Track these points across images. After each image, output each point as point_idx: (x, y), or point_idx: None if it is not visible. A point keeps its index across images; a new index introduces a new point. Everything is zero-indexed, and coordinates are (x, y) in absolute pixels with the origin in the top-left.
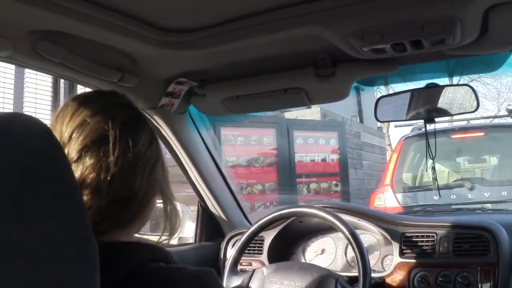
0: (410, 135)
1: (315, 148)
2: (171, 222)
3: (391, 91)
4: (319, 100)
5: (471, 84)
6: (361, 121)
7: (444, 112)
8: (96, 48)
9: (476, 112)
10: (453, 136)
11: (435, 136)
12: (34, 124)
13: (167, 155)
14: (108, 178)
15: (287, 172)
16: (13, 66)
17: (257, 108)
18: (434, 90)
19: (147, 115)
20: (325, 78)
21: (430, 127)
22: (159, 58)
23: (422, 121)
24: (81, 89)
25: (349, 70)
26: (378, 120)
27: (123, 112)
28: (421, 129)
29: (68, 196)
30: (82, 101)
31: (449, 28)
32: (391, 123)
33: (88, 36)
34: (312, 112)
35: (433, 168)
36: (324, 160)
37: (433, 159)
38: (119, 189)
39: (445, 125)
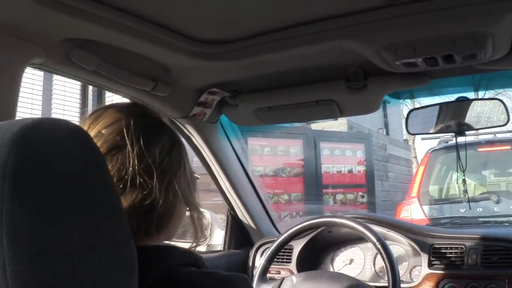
0: (437, 147)
1: (341, 160)
2: (200, 229)
3: (417, 105)
4: (350, 113)
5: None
6: (387, 133)
7: (474, 126)
8: (130, 58)
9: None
10: (480, 149)
11: (465, 149)
12: (71, 129)
13: (193, 163)
14: (121, 186)
15: (313, 183)
16: (41, 72)
17: (288, 119)
18: (464, 104)
19: (178, 124)
20: (357, 91)
21: (460, 140)
22: (192, 69)
23: (450, 134)
24: (109, 96)
25: (381, 83)
26: (409, 133)
27: (139, 121)
28: (447, 142)
29: (106, 200)
30: (99, 114)
31: (480, 43)
32: (417, 136)
33: (123, 46)
34: (339, 124)
35: (464, 180)
36: (350, 171)
37: (463, 171)
38: (135, 198)
39: (471, 139)
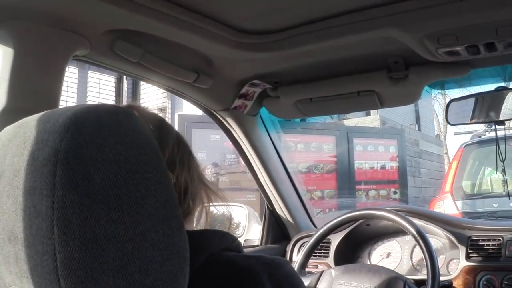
0: (470, 142)
1: (374, 156)
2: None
3: (447, 99)
4: (390, 103)
5: None
6: (419, 129)
7: None
8: (173, 49)
9: None
10: None
11: (505, 139)
12: (125, 114)
13: (227, 160)
14: None
15: (346, 179)
16: (76, 67)
17: (329, 111)
18: (503, 93)
19: (219, 116)
20: (398, 81)
21: (498, 132)
22: (235, 60)
23: (482, 129)
24: (144, 89)
25: (422, 73)
26: (449, 123)
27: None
28: (480, 137)
29: (160, 186)
30: None
31: None
32: (448, 131)
33: (166, 37)
34: (372, 120)
35: (503, 170)
36: (383, 167)
37: (503, 161)
38: None
39: (502, 133)
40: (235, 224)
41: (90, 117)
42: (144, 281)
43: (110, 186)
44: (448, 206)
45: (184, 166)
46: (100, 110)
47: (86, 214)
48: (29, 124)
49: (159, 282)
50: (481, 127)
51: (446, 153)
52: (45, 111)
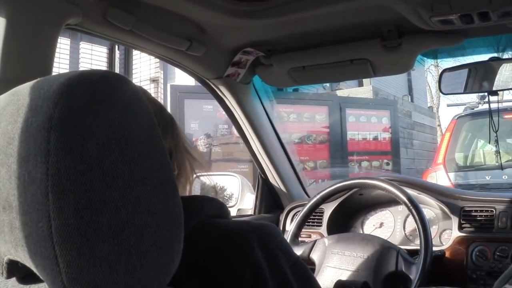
0: (463, 114)
1: (367, 126)
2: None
3: (440, 70)
4: (384, 72)
5: None
6: (412, 100)
7: (507, 85)
8: (166, 16)
9: None
10: (506, 116)
11: (498, 112)
12: (119, 80)
13: (219, 131)
14: None
15: (339, 150)
16: (68, 39)
17: (322, 79)
18: (496, 64)
19: (212, 85)
20: (391, 50)
21: (491, 105)
22: (227, 27)
23: (475, 101)
24: (136, 58)
25: (415, 42)
26: (442, 93)
27: None
28: (473, 109)
29: (154, 151)
30: None
31: None
32: (441, 103)
33: (159, 4)
34: (364, 91)
35: (496, 140)
36: (375, 138)
37: (496, 131)
38: None
39: (495, 106)
40: (228, 196)
41: (83, 83)
42: (139, 246)
43: (104, 151)
44: (440, 177)
45: (167, 131)
46: (93, 76)
47: (81, 179)
48: (22, 92)
49: (154, 247)
50: (474, 99)
51: (439, 125)
52: (38, 79)
